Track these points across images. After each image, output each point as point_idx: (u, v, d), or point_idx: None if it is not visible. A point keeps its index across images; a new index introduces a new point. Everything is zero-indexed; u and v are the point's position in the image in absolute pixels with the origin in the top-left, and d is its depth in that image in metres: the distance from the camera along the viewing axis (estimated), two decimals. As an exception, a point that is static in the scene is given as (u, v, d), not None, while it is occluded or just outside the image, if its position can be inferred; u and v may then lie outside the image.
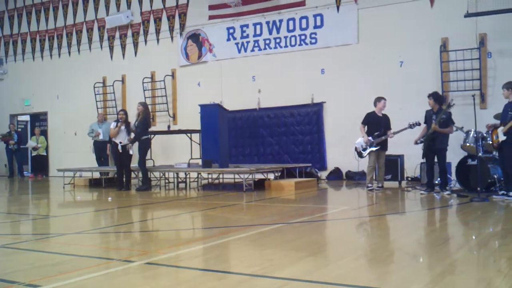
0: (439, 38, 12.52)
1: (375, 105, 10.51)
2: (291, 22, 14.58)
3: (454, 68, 12.33)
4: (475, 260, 4.56)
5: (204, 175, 12.96)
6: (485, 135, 9.38)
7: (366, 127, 10.45)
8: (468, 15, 11.47)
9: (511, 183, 8.51)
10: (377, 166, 10.50)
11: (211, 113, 11.41)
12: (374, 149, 10.30)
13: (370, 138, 10.32)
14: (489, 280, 3.73)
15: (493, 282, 3.67)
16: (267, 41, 14.94)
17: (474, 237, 5.64)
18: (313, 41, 14.24)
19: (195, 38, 16.07)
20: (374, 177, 10.49)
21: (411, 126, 10.11)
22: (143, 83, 16.60)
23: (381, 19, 13.20)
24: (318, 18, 14.17)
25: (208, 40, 15.85)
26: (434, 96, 9.76)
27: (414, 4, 12.76)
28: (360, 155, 10.53)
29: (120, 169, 11.76)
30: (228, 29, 15.51)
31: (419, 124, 10.01)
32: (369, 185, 10.37)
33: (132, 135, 11.69)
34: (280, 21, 14.72)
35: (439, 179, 9.76)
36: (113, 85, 17.48)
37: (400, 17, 12.95)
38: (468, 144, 9.61)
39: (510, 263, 4.24)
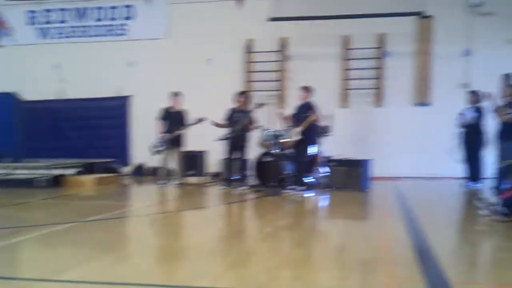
0: (245, 39, 13.06)
1: (170, 100, 10.56)
2: (99, 11, 14.05)
3: (258, 69, 12.98)
4: (264, 251, 4.77)
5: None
6: (281, 133, 9.94)
7: (163, 123, 10.44)
8: (271, 19, 12.15)
9: (300, 179, 9.18)
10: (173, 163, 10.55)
11: (5, 103, 10.54)
12: (166, 146, 10.32)
13: (164, 134, 10.32)
14: (275, 270, 3.94)
15: (278, 272, 3.88)
16: (73, 29, 14.23)
17: (265, 229, 5.96)
18: (123, 32, 13.90)
19: (-9, 19, 14.65)
20: (180, 174, 10.58)
21: (196, 121, 10.16)
22: None
23: (190, 16, 13.36)
24: (128, 10, 13.86)
25: (6, 22, 14.54)
26: (245, 94, 10.15)
27: (222, 4, 13.12)
28: (155, 152, 10.44)
29: None
30: (29, 12, 14.40)
31: (204, 120, 10.06)
32: (162, 181, 10.37)
33: None
34: (88, 9, 14.11)
35: (238, 174, 10.14)
36: None
37: (209, 16, 13.24)
38: (265, 142, 10.11)
39: (296, 253, 4.54)
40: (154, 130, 10.38)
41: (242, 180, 9.95)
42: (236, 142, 9.80)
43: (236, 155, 9.93)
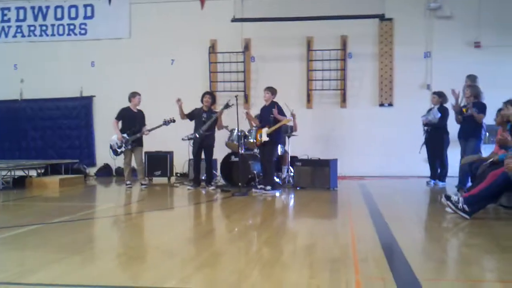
0: (208, 39, 13.04)
1: (130, 100, 10.32)
2: (59, 10, 13.83)
3: (222, 69, 12.97)
4: (233, 251, 4.77)
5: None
6: (247, 133, 9.99)
7: (120, 123, 10.25)
8: (234, 20, 12.16)
9: (268, 178, 9.22)
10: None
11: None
12: (129, 147, 10.10)
13: (125, 135, 10.07)
14: (244, 270, 3.94)
15: (248, 272, 3.88)
16: (32, 28, 13.96)
17: (233, 229, 5.96)
18: (83, 31, 13.73)
19: None
20: (146, 175, 10.46)
21: (166, 123, 10.08)
22: None
23: (153, 15, 13.28)
24: (89, 9, 13.70)
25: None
26: (211, 94, 10.17)
27: (185, 4, 13.06)
28: (115, 153, 10.18)
29: None
30: (-15, 11, 14.05)
31: (173, 121, 10.08)
32: (128, 182, 10.20)
33: None
34: (47, 7, 13.87)
35: (205, 174, 10.13)
36: None
37: (171, 16, 13.18)
38: (231, 142, 10.14)
39: (261, 254, 4.56)
40: (115, 131, 10.20)
41: (209, 180, 9.93)
42: (203, 142, 9.77)
43: (203, 155, 9.90)
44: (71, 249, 4.77)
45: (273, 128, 9.16)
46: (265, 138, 9.21)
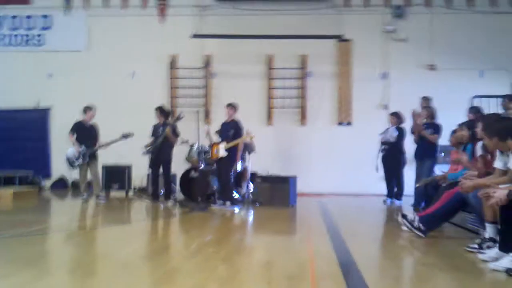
0: (169, 54, 12.99)
1: (84, 113, 10.25)
2: (15, 20, 13.52)
3: (183, 85, 12.93)
4: (190, 267, 4.69)
5: None
6: (206, 149, 9.95)
7: (76, 136, 10.11)
8: (195, 36, 12.18)
9: (226, 194, 9.20)
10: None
11: None
12: (86, 160, 10.01)
13: (83, 147, 9.97)
14: (198, 287, 3.89)
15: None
16: (-14, 37, 13.59)
17: (190, 245, 5.90)
18: (40, 42, 13.44)
19: None
20: (102, 188, 10.31)
21: (124, 136, 10.03)
22: None
23: (111, 29, 13.16)
24: (46, 20, 13.44)
25: None
26: (160, 109, 10.12)
27: (144, 18, 13.05)
28: (71, 165, 10.09)
29: None
30: None
31: (132, 135, 10.04)
32: (84, 195, 10.08)
33: None
34: (4, 17, 13.54)
35: (163, 189, 10.03)
36: None
37: (130, 30, 13.11)
38: (191, 157, 10.08)
39: (222, 270, 4.52)
40: (74, 144, 10.02)
41: (168, 195, 9.84)
42: (158, 157, 9.72)
43: (162, 169, 9.83)
44: (22, 264, 4.62)
45: (231, 144, 9.19)
46: (223, 153, 9.23)
